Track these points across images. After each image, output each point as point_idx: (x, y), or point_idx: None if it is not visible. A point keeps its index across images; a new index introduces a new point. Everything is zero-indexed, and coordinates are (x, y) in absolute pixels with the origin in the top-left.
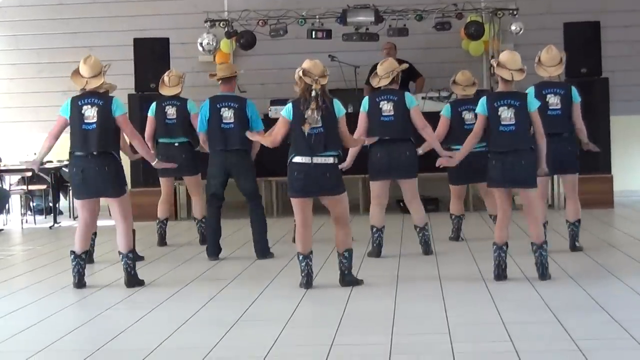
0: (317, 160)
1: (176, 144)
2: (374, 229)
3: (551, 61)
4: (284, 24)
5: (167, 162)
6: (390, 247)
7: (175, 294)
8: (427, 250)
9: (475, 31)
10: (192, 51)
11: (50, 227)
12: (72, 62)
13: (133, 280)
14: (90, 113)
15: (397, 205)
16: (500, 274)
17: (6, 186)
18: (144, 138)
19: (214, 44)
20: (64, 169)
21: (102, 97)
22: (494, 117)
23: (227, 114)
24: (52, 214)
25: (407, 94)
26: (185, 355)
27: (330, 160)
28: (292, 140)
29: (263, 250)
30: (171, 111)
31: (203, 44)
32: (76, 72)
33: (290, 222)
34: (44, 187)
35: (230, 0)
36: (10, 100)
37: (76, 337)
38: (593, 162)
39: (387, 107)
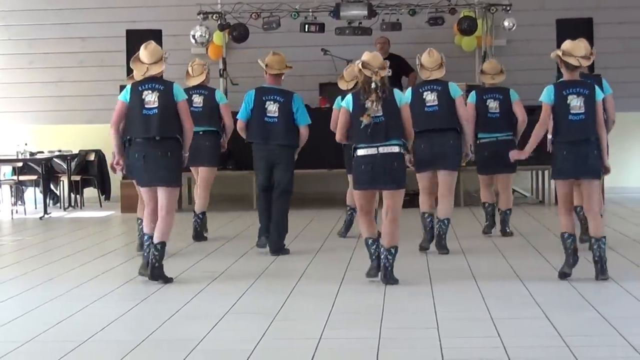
0: (383, 150)
1: (201, 132)
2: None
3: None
4: (277, 17)
5: (194, 150)
6: None
7: (163, 287)
8: (440, 244)
9: (468, 26)
10: (184, 43)
11: (41, 218)
12: (63, 53)
13: (156, 273)
14: (152, 98)
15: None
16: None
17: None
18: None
19: (207, 37)
20: (55, 159)
21: (162, 82)
22: (562, 105)
23: (272, 108)
24: (43, 205)
25: (450, 84)
26: (173, 348)
27: (396, 149)
28: (353, 132)
29: (277, 248)
30: (198, 99)
31: (196, 36)
32: (136, 59)
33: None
34: (34, 177)
35: None
36: (1, 90)
37: (63, 329)
38: None
39: (431, 97)
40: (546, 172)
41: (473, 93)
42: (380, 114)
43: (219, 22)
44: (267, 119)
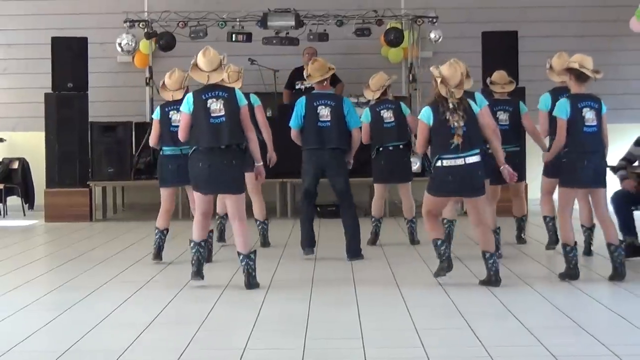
0: (470, 159)
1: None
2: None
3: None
4: (204, 26)
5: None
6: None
7: (88, 296)
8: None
9: (394, 38)
10: (110, 51)
11: None
12: None
13: (253, 282)
14: (217, 106)
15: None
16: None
17: None
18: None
19: (133, 45)
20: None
21: (225, 90)
22: (577, 118)
23: (324, 112)
24: None
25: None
26: (96, 358)
27: (478, 158)
28: (435, 143)
29: (355, 251)
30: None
31: (122, 44)
32: (195, 67)
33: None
34: None
35: (151, 1)
36: None
37: None
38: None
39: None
40: None
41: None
42: (463, 125)
43: (145, 30)
44: (320, 124)
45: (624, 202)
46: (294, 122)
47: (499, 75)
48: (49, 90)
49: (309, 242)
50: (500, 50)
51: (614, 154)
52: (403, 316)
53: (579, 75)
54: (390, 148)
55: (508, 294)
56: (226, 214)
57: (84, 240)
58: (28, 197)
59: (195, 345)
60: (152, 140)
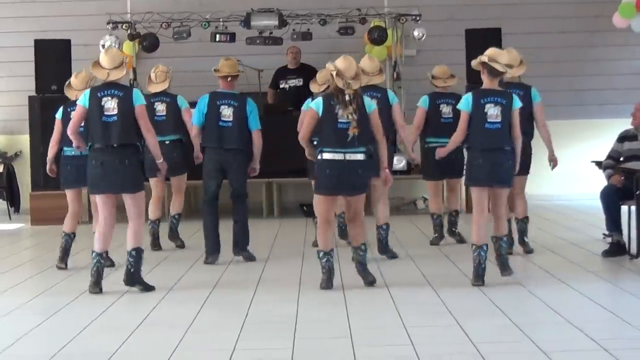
0: (350, 156)
1: (167, 142)
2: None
3: (513, 62)
4: (187, 26)
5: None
6: (293, 250)
7: (74, 300)
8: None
9: (378, 36)
10: (94, 53)
11: None
12: None
13: (130, 279)
14: (111, 105)
15: (300, 209)
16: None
17: None
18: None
19: (116, 46)
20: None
21: (122, 89)
22: (479, 113)
23: (227, 112)
24: None
25: (388, 90)
26: None
27: (361, 156)
28: (321, 135)
29: (243, 246)
30: (160, 107)
31: (105, 46)
32: (96, 64)
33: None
34: None
35: (133, 2)
36: None
37: None
38: None
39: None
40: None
41: (425, 97)
42: (356, 119)
43: (128, 31)
44: (221, 123)
45: (613, 198)
46: (197, 119)
47: (441, 70)
48: (33, 93)
49: (215, 248)
50: (484, 47)
51: (599, 149)
52: (392, 314)
53: (491, 70)
54: None
55: (496, 291)
56: (158, 220)
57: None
58: (13, 201)
59: (184, 347)
60: (53, 140)
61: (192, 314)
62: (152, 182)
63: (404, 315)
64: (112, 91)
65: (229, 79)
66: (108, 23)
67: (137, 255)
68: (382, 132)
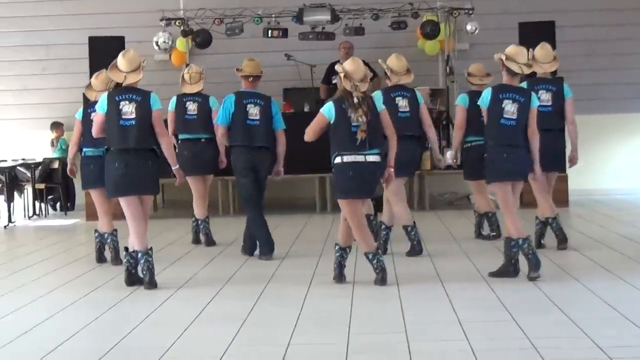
0: (370, 158)
1: (203, 140)
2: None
3: (546, 58)
4: (239, 22)
5: (191, 159)
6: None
7: (130, 294)
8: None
9: (431, 31)
10: (147, 50)
11: (5, 227)
12: (26, 61)
13: (153, 280)
14: (129, 109)
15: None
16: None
17: None
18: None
19: (170, 43)
20: (18, 167)
21: (139, 93)
22: (496, 108)
23: (254, 111)
24: (7, 213)
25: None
26: (141, 356)
27: (378, 158)
28: (336, 139)
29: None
30: (192, 107)
31: (159, 43)
32: (114, 67)
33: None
34: None
35: None
36: None
37: (30, 339)
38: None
39: (403, 103)
40: None
41: (464, 95)
42: (366, 121)
43: (181, 28)
44: (249, 122)
45: None
46: (223, 119)
47: (476, 68)
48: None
49: (270, 246)
50: (537, 40)
51: None
52: (446, 309)
53: (508, 69)
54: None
55: (551, 286)
56: (207, 217)
57: (125, 239)
58: (69, 197)
59: (239, 342)
60: (73, 141)
61: (247, 308)
62: (191, 180)
63: (458, 310)
64: (130, 95)
65: (251, 79)
66: (161, 20)
67: (152, 256)
68: (393, 130)
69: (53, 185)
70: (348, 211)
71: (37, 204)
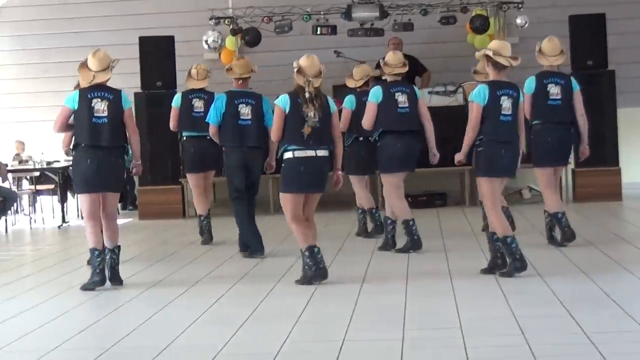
0: (320, 152)
1: (208, 137)
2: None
3: (553, 51)
4: (288, 20)
5: (198, 156)
6: (398, 242)
7: (185, 293)
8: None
9: (480, 25)
10: (197, 49)
11: (59, 227)
12: (77, 61)
13: (117, 276)
14: (101, 106)
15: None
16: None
17: (15, 187)
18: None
19: (219, 42)
20: (71, 168)
21: (111, 91)
22: (495, 106)
23: (245, 110)
24: (61, 214)
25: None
26: (196, 353)
27: (327, 153)
28: (288, 132)
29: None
30: (198, 104)
31: (208, 42)
32: (84, 65)
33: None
34: (51, 186)
35: None
36: (16, 100)
37: (87, 336)
38: (600, 155)
39: (402, 99)
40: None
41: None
42: (317, 119)
43: (231, 26)
44: (241, 122)
45: None
46: (214, 119)
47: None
48: (138, 90)
49: (258, 244)
50: (588, 33)
51: None
52: (501, 304)
53: (495, 64)
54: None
55: (606, 281)
56: (208, 213)
57: (178, 238)
58: (122, 196)
59: (294, 339)
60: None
61: (301, 305)
62: (192, 177)
63: (513, 305)
64: (102, 93)
65: (241, 81)
66: (210, 19)
67: (119, 252)
68: (340, 133)
69: None
70: (287, 203)
71: None
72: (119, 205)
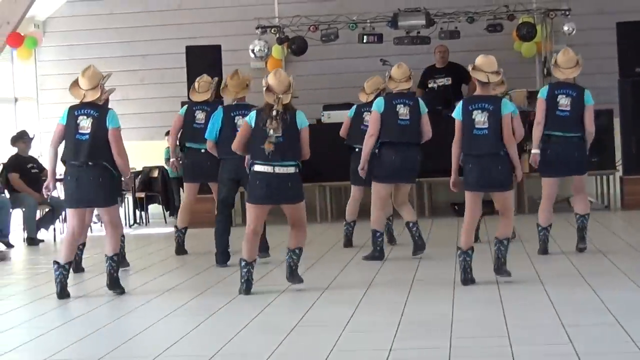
0: (279, 170)
1: (202, 151)
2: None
3: (568, 63)
4: (334, 29)
5: (192, 167)
6: (445, 250)
7: (232, 301)
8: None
9: (527, 32)
10: (243, 58)
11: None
12: (125, 71)
13: (115, 284)
14: (85, 124)
15: (451, 208)
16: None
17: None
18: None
19: (266, 50)
20: None
21: (98, 109)
22: (468, 120)
23: (241, 122)
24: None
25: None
26: None
27: (292, 170)
28: (252, 147)
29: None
30: (200, 116)
31: (255, 51)
32: (75, 84)
33: (341, 227)
34: None
35: (281, 6)
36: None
37: (136, 344)
38: None
39: (403, 111)
40: (611, 177)
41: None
42: (280, 134)
43: (277, 35)
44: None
45: None
46: (210, 134)
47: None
48: (185, 99)
49: (224, 258)
50: (635, 40)
51: None
52: (549, 313)
53: (476, 79)
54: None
55: None
56: (185, 228)
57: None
58: (169, 205)
59: (341, 348)
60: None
61: (348, 314)
62: (188, 187)
63: (561, 313)
64: (88, 111)
65: (235, 102)
66: (257, 28)
67: (117, 260)
68: (309, 151)
69: (153, 193)
70: (248, 213)
71: (137, 212)
72: (167, 213)
